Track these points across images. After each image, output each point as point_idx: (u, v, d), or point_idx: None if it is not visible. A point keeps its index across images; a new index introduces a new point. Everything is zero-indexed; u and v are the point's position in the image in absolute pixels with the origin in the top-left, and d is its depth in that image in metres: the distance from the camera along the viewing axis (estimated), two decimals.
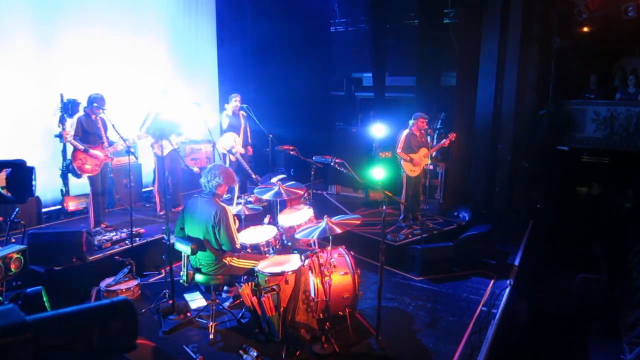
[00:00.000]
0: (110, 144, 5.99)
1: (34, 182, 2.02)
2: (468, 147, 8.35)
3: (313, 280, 4.04)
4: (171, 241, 4.38)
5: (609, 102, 9.10)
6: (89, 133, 5.84)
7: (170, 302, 4.52)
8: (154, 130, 6.35)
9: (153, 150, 6.64)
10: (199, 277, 4.20)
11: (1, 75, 6.29)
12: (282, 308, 3.98)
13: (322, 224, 4.08)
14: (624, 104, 8.97)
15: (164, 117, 6.56)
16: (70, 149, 6.59)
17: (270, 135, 7.23)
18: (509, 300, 5.13)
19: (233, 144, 7.33)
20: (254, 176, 7.31)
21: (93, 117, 5.86)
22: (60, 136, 6.72)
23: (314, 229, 4.07)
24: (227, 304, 4.74)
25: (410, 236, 6.52)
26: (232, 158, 7.34)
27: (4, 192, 1.86)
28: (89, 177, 5.91)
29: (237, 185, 7.70)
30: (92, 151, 5.80)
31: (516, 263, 6.09)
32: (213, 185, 4.08)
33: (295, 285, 4.08)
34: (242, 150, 7.42)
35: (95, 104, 5.76)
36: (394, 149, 6.94)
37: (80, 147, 5.73)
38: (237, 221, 4.48)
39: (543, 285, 6.73)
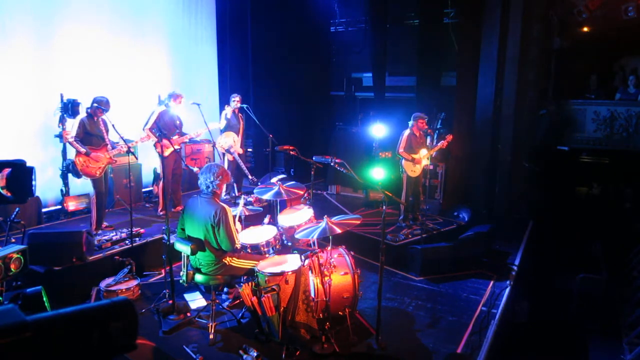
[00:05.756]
0: (113, 146, 5.97)
1: (34, 182, 2.02)
2: (468, 147, 8.34)
3: (313, 280, 4.04)
4: (171, 241, 4.38)
5: (609, 102, 9.10)
6: (91, 135, 5.80)
7: (170, 302, 4.52)
8: (154, 129, 6.36)
9: (156, 150, 6.64)
10: (198, 277, 4.20)
11: (1, 76, 6.29)
12: (282, 308, 3.98)
13: (322, 224, 4.08)
14: (624, 104, 8.97)
15: (169, 118, 6.56)
16: (70, 149, 6.60)
17: (270, 136, 7.24)
18: (508, 300, 5.13)
19: (232, 143, 7.36)
20: (250, 177, 7.32)
21: (95, 118, 5.83)
22: (60, 136, 6.73)
23: (314, 229, 4.07)
24: (227, 304, 4.74)
25: (410, 236, 6.52)
26: (230, 158, 7.38)
27: (4, 192, 1.86)
28: (92, 179, 5.88)
29: (236, 186, 7.79)
30: (93, 154, 5.78)
31: (516, 263, 6.09)
32: (213, 186, 4.08)
33: (295, 285, 4.08)
34: (241, 151, 7.48)
35: (99, 106, 5.70)
36: (394, 149, 6.95)
37: (82, 149, 5.68)
38: (237, 224, 4.48)
39: (543, 285, 6.73)
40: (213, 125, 7.16)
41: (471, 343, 4.23)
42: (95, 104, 5.75)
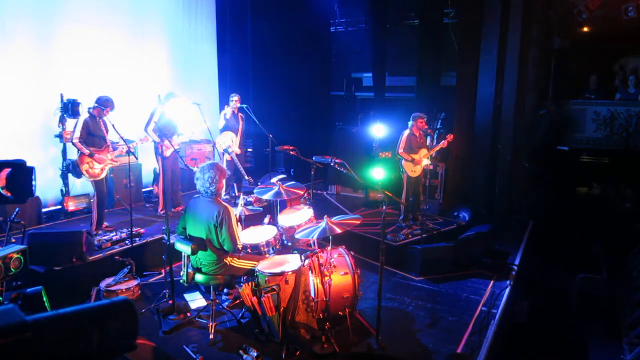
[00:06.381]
0: (114, 147, 5.96)
1: (34, 182, 2.02)
2: (468, 147, 8.34)
3: (313, 280, 4.04)
4: (171, 241, 4.38)
5: (609, 102, 9.10)
6: (94, 135, 5.78)
7: (170, 302, 4.52)
8: (155, 130, 6.38)
9: (158, 152, 6.63)
10: (199, 277, 4.20)
11: (1, 76, 6.29)
12: (282, 308, 3.98)
13: (322, 224, 4.08)
14: (624, 104, 8.97)
15: (167, 118, 6.57)
16: (70, 149, 6.61)
17: (270, 136, 7.23)
18: (508, 300, 5.13)
19: (230, 143, 7.38)
20: (246, 177, 7.33)
21: (98, 118, 5.81)
22: (60, 136, 6.72)
23: (314, 229, 4.07)
24: (226, 304, 4.74)
25: (410, 236, 6.52)
26: (228, 157, 7.39)
27: (4, 192, 1.86)
28: (95, 180, 5.86)
29: (236, 186, 7.80)
30: (97, 155, 5.76)
31: (516, 263, 6.09)
32: (212, 187, 4.07)
33: (295, 285, 4.08)
34: (239, 151, 7.48)
35: (100, 106, 5.68)
36: (394, 149, 6.95)
37: (86, 151, 5.66)
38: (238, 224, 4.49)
39: (543, 285, 6.73)
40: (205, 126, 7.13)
41: (471, 343, 4.23)
42: (96, 104, 5.73)
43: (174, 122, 6.71)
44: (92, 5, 7.30)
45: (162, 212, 6.82)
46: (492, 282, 5.52)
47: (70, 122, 6.66)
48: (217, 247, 4.10)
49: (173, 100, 6.60)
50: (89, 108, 5.81)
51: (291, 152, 5.91)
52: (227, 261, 4.17)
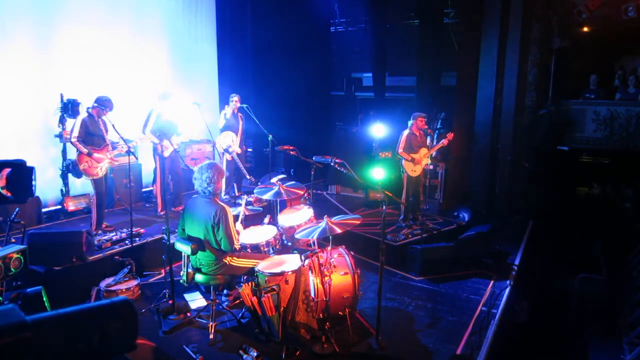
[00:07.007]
0: (113, 146, 5.97)
1: (34, 182, 2.02)
2: (468, 147, 8.35)
3: (313, 280, 4.04)
4: (171, 241, 4.38)
5: (609, 102, 9.10)
6: (93, 135, 5.79)
7: (170, 302, 4.52)
8: (155, 130, 6.39)
9: (157, 151, 6.63)
10: (199, 277, 4.20)
11: (1, 76, 6.29)
12: (282, 308, 3.98)
13: (322, 224, 4.08)
14: (624, 104, 8.98)
15: (166, 118, 6.58)
16: (70, 149, 6.62)
17: (270, 136, 7.24)
18: (508, 300, 5.13)
19: (230, 143, 7.38)
20: (248, 177, 7.33)
21: (96, 118, 5.83)
22: (60, 136, 6.73)
23: (314, 229, 4.07)
24: (226, 304, 4.74)
25: (410, 236, 6.52)
26: (229, 157, 7.39)
27: (4, 192, 1.86)
28: (93, 180, 5.87)
29: (236, 185, 7.81)
30: (95, 155, 5.77)
31: (516, 263, 6.09)
32: (210, 187, 4.06)
33: (295, 285, 4.08)
34: (239, 150, 7.49)
35: (99, 106, 5.70)
36: (394, 149, 6.95)
37: (84, 150, 5.67)
38: (239, 224, 4.49)
39: (543, 285, 6.73)
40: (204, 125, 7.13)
41: (471, 343, 4.23)
42: (96, 104, 5.75)
43: (174, 122, 6.71)
44: (92, 5, 7.29)
45: (162, 213, 6.82)
46: (492, 282, 5.52)
47: (70, 122, 6.66)
48: (216, 248, 4.09)
49: (171, 99, 6.61)
50: (88, 108, 5.83)
51: (291, 152, 5.91)
52: (226, 261, 4.17)
